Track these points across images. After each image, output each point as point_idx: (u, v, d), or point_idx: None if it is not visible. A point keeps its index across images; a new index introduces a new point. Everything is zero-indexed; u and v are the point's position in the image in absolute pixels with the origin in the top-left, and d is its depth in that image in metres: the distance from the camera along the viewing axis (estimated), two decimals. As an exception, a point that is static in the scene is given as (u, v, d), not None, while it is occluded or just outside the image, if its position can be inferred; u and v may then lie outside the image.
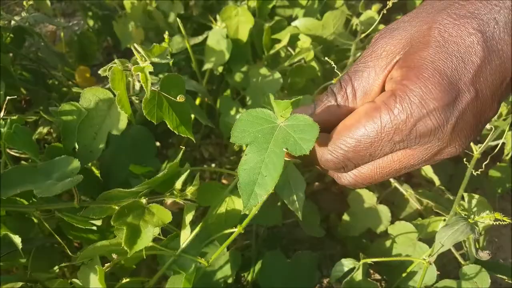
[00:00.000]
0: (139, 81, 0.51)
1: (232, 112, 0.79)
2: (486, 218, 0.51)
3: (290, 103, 0.39)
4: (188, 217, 0.53)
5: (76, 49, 0.98)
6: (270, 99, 0.42)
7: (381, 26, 0.80)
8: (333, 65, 0.59)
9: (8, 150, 0.56)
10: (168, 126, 0.53)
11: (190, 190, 0.51)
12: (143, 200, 0.49)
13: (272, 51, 0.82)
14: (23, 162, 0.66)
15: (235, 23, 0.80)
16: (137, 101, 0.59)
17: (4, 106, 0.48)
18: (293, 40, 0.82)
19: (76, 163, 0.48)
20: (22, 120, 0.50)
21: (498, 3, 0.32)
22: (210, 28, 0.82)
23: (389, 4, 0.65)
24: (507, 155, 0.79)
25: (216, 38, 0.79)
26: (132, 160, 0.63)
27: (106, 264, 0.51)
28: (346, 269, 0.64)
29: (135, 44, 0.50)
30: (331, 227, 0.86)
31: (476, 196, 0.63)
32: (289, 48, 0.83)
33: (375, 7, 0.80)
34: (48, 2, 0.93)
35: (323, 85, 0.76)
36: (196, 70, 0.78)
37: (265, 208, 0.78)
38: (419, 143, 0.35)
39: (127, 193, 0.51)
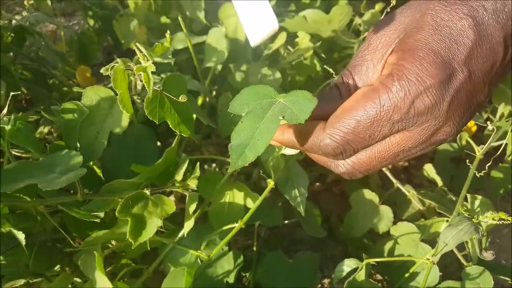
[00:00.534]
0: (141, 81, 0.51)
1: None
2: (489, 218, 0.51)
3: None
4: (192, 207, 0.53)
5: (76, 48, 0.98)
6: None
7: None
8: (331, 71, 0.59)
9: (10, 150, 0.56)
10: (169, 125, 0.53)
11: (191, 180, 0.51)
12: (147, 191, 0.49)
13: (270, 51, 0.82)
14: (24, 161, 0.66)
15: (234, 22, 0.79)
16: (139, 101, 0.59)
17: (8, 103, 0.48)
18: (293, 40, 0.82)
19: (78, 157, 0.49)
20: (26, 117, 0.50)
21: None
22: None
23: (393, 2, 0.65)
24: (509, 156, 0.78)
25: (216, 37, 0.78)
26: (133, 159, 0.63)
27: (105, 250, 0.52)
28: (348, 269, 0.64)
29: (138, 44, 0.50)
30: (332, 227, 0.86)
31: (479, 197, 0.63)
32: (289, 47, 0.83)
33: (378, 6, 0.80)
34: (49, 2, 0.93)
35: (324, 84, 0.76)
36: (198, 70, 0.78)
37: (267, 209, 0.78)
38: (417, 122, 0.36)
39: (129, 184, 0.51)
